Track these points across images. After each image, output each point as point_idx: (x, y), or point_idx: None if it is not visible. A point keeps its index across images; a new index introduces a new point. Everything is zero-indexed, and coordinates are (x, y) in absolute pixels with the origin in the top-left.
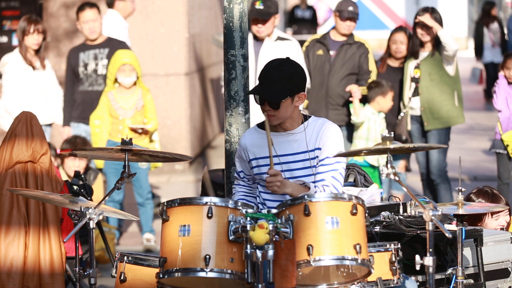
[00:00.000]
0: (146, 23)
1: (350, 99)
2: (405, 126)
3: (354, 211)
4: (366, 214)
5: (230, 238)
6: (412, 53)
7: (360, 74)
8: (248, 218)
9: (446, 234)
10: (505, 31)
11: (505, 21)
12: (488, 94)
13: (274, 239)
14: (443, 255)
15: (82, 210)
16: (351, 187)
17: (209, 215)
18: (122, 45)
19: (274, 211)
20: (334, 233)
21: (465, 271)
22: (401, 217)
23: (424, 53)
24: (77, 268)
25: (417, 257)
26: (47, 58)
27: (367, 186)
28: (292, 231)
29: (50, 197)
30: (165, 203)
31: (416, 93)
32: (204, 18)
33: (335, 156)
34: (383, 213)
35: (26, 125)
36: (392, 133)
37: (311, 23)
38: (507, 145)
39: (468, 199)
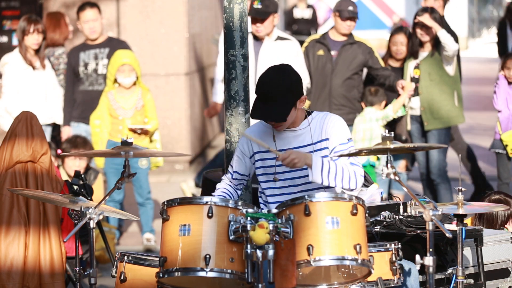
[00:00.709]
0: (146, 23)
1: (400, 91)
2: (405, 126)
3: (355, 211)
4: (366, 214)
5: (230, 237)
6: (412, 53)
7: (376, 72)
8: (249, 218)
9: (446, 234)
10: None
11: None
12: None
13: (274, 239)
14: (443, 255)
15: (82, 210)
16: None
17: (210, 214)
18: (122, 44)
19: (274, 211)
20: (334, 233)
21: (465, 271)
22: (401, 217)
23: (424, 53)
24: (77, 268)
25: (417, 257)
26: (47, 58)
27: (367, 186)
28: (292, 231)
29: (50, 197)
30: (165, 203)
31: (416, 93)
32: (204, 18)
33: (335, 156)
34: (383, 213)
35: (26, 125)
36: (392, 133)
37: (312, 22)
38: (507, 145)
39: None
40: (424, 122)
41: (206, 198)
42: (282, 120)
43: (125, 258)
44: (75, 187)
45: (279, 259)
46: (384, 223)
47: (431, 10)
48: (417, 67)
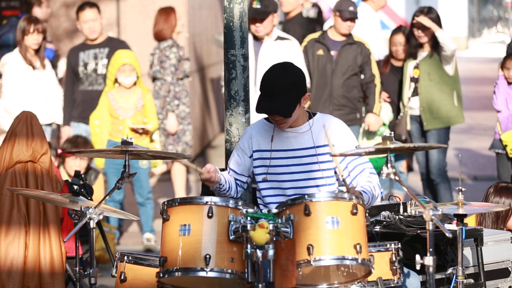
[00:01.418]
0: (146, 23)
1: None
2: (405, 126)
3: (355, 211)
4: (367, 214)
5: (231, 237)
6: (410, 54)
7: (365, 80)
8: (249, 218)
9: (447, 234)
10: None
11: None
12: None
13: (274, 239)
14: (443, 254)
15: (82, 209)
16: None
17: (210, 214)
18: (122, 44)
19: (274, 210)
20: (334, 233)
21: (465, 270)
22: (402, 217)
23: (423, 53)
24: (77, 268)
25: (417, 256)
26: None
27: None
28: (293, 230)
29: (50, 197)
30: (165, 203)
31: (415, 93)
32: (204, 18)
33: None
34: (383, 212)
35: (26, 125)
36: (392, 133)
37: (317, 22)
38: (506, 145)
39: (488, 199)
40: (424, 122)
41: (206, 198)
42: (287, 115)
43: (125, 258)
44: (75, 187)
45: (279, 259)
46: (384, 223)
47: (428, 10)
48: (416, 67)
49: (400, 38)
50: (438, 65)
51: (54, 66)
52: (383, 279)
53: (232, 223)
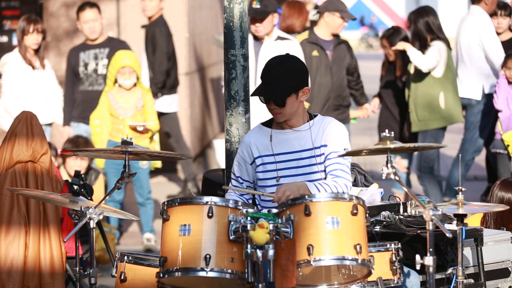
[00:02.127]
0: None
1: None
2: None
3: (355, 211)
4: (367, 214)
5: (231, 237)
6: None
7: (355, 77)
8: (249, 218)
9: (447, 234)
10: None
11: None
12: None
13: (274, 239)
14: (444, 254)
15: (83, 209)
16: (353, 187)
17: (210, 214)
18: (123, 44)
19: (274, 210)
20: (334, 233)
21: (465, 270)
22: (402, 217)
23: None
24: (77, 268)
25: (418, 256)
26: (47, 58)
27: (368, 186)
28: (293, 231)
29: (51, 197)
30: (165, 203)
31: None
32: (204, 18)
33: (339, 156)
34: (383, 212)
35: (26, 125)
36: (392, 132)
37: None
38: (508, 145)
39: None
40: (412, 124)
41: (206, 198)
42: (281, 100)
43: (125, 258)
44: (75, 187)
45: (279, 259)
46: (384, 223)
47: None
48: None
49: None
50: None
51: None
52: (383, 279)
53: (232, 223)
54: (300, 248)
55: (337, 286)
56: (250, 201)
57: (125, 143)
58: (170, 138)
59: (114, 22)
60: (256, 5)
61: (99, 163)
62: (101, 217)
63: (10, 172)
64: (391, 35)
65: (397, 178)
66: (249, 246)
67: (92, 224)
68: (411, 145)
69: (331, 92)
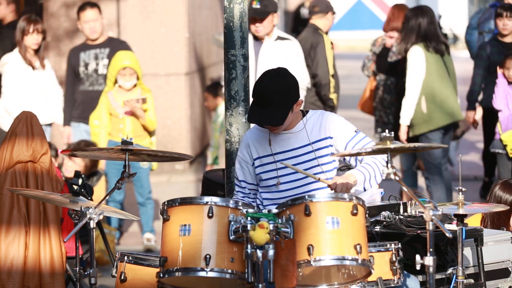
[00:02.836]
0: (146, 23)
1: None
2: None
3: (355, 211)
4: (367, 214)
5: (231, 237)
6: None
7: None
8: (249, 218)
9: (447, 234)
10: None
11: None
12: None
13: (274, 239)
14: (444, 254)
15: (83, 209)
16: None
17: (210, 214)
18: (123, 45)
19: (274, 211)
20: (334, 233)
21: (465, 270)
22: (402, 217)
23: None
24: (77, 268)
25: (418, 257)
26: (47, 58)
27: None
28: (293, 231)
29: (51, 197)
30: (165, 203)
31: None
32: (205, 18)
33: (335, 156)
34: (383, 213)
35: (27, 125)
36: (392, 133)
37: None
38: (506, 145)
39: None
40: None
41: (207, 198)
42: (280, 124)
43: (125, 258)
44: (75, 187)
45: (279, 259)
46: (384, 223)
47: None
48: None
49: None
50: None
51: None
52: (383, 279)
53: (232, 223)
54: (300, 248)
55: (337, 286)
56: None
57: (125, 143)
58: None
59: (114, 22)
60: (256, 5)
61: (99, 163)
62: (101, 217)
63: (10, 172)
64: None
65: (397, 178)
66: (249, 246)
67: (92, 224)
68: (411, 145)
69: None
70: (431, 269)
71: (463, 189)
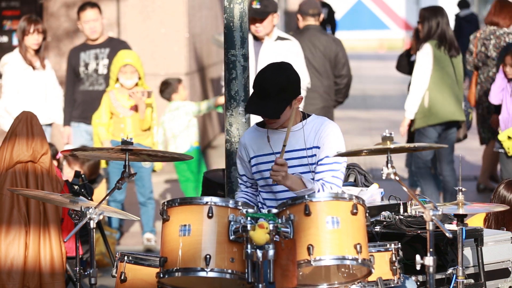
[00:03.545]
0: (146, 23)
1: None
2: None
3: (355, 211)
4: (367, 214)
5: (231, 238)
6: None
7: None
8: (249, 218)
9: (447, 234)
10: None
11: None
12: None
13: (274, 239)
14: (444, 255)
15: (83, 210)
16: (352, 187)
17: (210, 214)
18: (123, 45)
19: (274, 211)
20: (334, 233)
21: (465, 271)
22: (402, 217)
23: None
24: (78, 268)
25: (418, 257)
26: (47, 58)
27: (368, 186)
28: (293, 231)
29: (51, 197)
30: (165, 203)
31: None
32: (205, 18)
33: (335, 156)
34: (383, 213)
35: (27, 125)
36: (392, 133)
37: (328, 22)
38: (502, 144)
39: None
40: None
41: (206, 198)
42: (276, 117)
43: (125, 258)
44: (75, 187)
45: (279, 259)
46: (384, 223)
47: None
48: None
49: None
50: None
51: None
52: (383, 279)
53: (232, 223)
54: (300, 248)
55: (337, 285)
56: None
57: (125, 143)
58: None
59: (114, 22)
60: (256, 5)
61: (102, 162)
62: (101, 217)
63: (10, 172)
64: None
65: (397, 178)
66: (249, 246)
67: (92, 224)
68: (411, 145)
69: None
70: (431, 269)
71: (463, 189)
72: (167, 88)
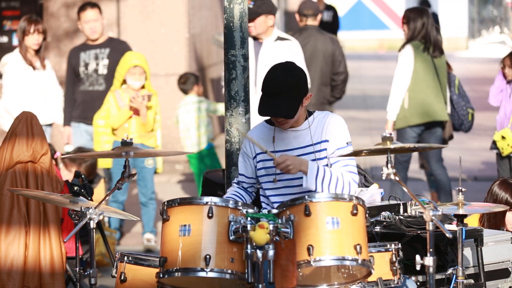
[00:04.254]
0: (146, 23)
1: None
2: None
3: (355, 211)
4: (367, 215)
5: (231, 238)
6: None
7: None
8: (249, 218)
9: (447, 234)
10: None
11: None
12: None
13: (274, 239)
14: (444, 255)
15: (83, 210)
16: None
17: (210, 215)
18: (123, 45)
19: (274, 211)
20: (334, 233)
21: (465, 271)
22: (402, 217)
23: None
24: (77, 268)
25: (418, 257)
26: (47, 58)
27: (367, 186)
28: (293, 231)
29: (51, 197)
30: (165, 203)
31: None
32: (205, 18)
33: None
34: (383, 213)
35: (27, 125)
36: (392, 133)
37: (333, 25)
38: (496, 144)
39: (490, 190)
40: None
41: (206, 199)
42: (290, 117)
43: (125, 258)
44: (75, 187)
45: (279, 259)
46: (384, 223)
47: None
48: None
49: None
50: None
51: None
52: (383, 280)
53: (232, 223)
54: (300, 248)
55: (337, 286)
56: (254, 194)
57: (125, 143)
58: None
59: (114, 22)
60: (249, 4)
61: (107, 163)
62: (101, 217)
63: (10, 173)
64: None
65: (397, 178)
66: (249, 246)
67: (92, 224)
68: (411, 145)
69: None
70: (431, 269)
71: (463, 189)
72: (187, 81)
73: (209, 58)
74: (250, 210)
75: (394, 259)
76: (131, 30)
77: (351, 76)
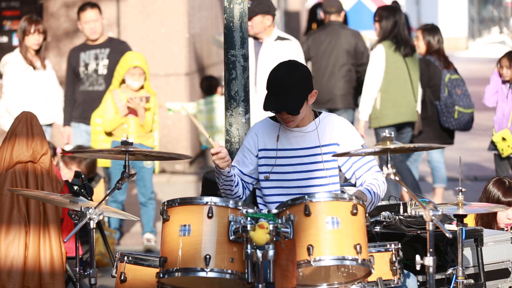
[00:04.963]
0: (146, 23)
1: None
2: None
3: (355, 211)
4: (367, 214)
5: (231, 238)
6: None
7: None
8: (249, 218)
9: (447, 234)
10: None
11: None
12: None
13: (274, 239)
14: (444, 255)
15: (83, 210)
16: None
17: (210, 215)
18: (123, 45)
19: (274, 211)
20: (334, 233)
21: (465, 271)
22: (402, 217)
23: None
24: (77, 268)
25: (418, 257)
26: (48, 58)
27: None
28: (293, 231)
29: (51, 197)
30: (165, 203)
31: None
32: (205, 18)
33: (333, 156)
34: (383, 213)
35: (27, 125)
36: (392, 133)
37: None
38: (496, 145)
39: (485, 188)
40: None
41: (206, 199)
42: (296, 112)
43: (125, 258)
44: (75, 187)
45: (279, 259)
46: (384, 223)
47: None
48: None
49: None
50: None
51: None
52: (383, 280)
53: (232, 223)
54: (300, 248)
55: (337, 286)
56: (251, 186)
57: (125, 143)
58: None
59: (114, 22)
60: (248, 4)
61: (106, 163)
62: (101, 217)
63: (10, 173)
64: None
65: (397, 178)
66: (249, 246)
67: (92, 224)
68: (411, 145)
69: None
70: (431, 270)
71: (463, 189)
72: (212, 81)
73: (209, 58)
74: (250, 210)
75: (394, 259)
76: (131, 30)
77: None
